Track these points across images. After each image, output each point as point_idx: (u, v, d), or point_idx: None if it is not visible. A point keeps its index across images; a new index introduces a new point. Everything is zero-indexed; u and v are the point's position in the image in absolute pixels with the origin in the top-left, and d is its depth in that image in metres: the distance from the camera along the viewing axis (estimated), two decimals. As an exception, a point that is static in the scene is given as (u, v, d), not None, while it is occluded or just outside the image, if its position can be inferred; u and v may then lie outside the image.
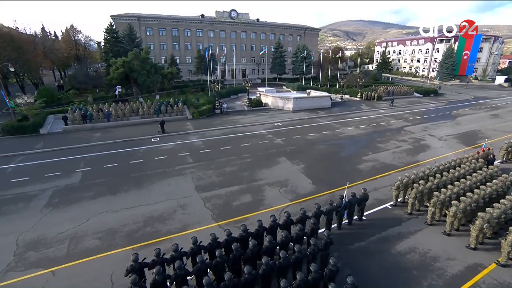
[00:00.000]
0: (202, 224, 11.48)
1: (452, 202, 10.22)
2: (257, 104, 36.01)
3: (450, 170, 13.44)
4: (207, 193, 14.09)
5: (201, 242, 8.33)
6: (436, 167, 13.88)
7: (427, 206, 12.30)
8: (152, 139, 23.29)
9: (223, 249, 8.28)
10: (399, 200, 12.84)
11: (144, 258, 7.72)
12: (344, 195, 11.16)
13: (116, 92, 35.85)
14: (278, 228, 9.46)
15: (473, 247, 9.61)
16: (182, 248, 8.09)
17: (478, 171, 13.09)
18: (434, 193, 11.00)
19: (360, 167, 17.58)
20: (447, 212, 10.33)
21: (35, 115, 26.16)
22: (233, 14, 67.00)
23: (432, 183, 12.08)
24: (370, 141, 22.91)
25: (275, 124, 28.46)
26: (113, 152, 20.41)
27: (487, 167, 13.82)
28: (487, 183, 11.85)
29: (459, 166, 14.05)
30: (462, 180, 12.06)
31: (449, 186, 11.39)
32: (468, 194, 10.79)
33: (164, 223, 11.58)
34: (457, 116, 33.01)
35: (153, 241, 10.43)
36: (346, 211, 11.19)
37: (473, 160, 14.44)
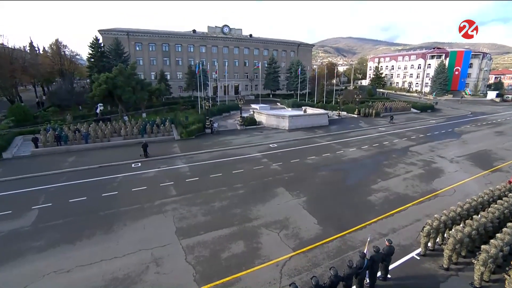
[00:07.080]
0: (180, 291, 8.67)
1: (513, 263, 7.74)
2: (251, 123, 33.71)
3: (487, 209, 11.06)
4: (190, 240, 11.31)
5: None
6: (468, 203, 11.50)
7: (464, 257, 9.88)
8: (133, 165, 20.53)
9: None
10: (429, 245, 10.35)
11: None
12: (365, 251, 8.61)
13: (98, 110, 33.05)
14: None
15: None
16: None
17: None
18: (483, 247, 8.51)
19: (371, 199, 15.11)
20: (506, 277, 7.79)
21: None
22: (226, 29, 66.02)
23: (471, 228, 9.64)
24: (376, 165, 20.61)
25: (270, 145, 26.00)
26: (84, 181, 17.54)
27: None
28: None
29: (495, 202, 11.71)
30: (509, 224, 9.63)
31: (498, 235, 8.94)
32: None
33: (129, 290, 8.72)
34: (462, 134, 31.28)
35: (110, 323, 7.56)
36: (367, 271, 8.61)
37: (510, 194, 12.12)
